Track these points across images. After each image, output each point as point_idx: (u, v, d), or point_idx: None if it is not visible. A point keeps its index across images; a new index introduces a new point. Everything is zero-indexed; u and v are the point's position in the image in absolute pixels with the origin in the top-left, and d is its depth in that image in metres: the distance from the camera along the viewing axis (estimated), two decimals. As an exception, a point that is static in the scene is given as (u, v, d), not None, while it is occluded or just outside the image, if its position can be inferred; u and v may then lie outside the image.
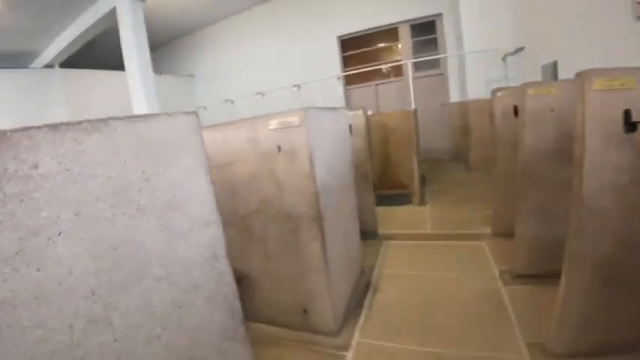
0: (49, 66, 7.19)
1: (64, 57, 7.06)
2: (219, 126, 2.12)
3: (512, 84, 5.83)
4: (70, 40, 6.25)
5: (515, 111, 3.06)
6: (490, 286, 2.58)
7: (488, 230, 3.50)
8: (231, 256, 2.53)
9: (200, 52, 9.64)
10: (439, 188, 5.54)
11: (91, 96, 7.27)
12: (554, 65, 4.62)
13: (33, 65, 7.37)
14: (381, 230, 3.93)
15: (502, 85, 5.93)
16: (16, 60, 7.16)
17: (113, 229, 0.81)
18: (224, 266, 1.08)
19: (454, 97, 7.22)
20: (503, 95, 3.21)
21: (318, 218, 1.93)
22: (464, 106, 6.55)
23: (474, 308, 2.34)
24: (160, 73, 8.81)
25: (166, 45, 10.00)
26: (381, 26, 7.53)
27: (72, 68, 7.19)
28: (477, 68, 6.28)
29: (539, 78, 5.04)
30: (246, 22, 8.73)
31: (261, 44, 8.66)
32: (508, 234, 3.04)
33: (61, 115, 7.06)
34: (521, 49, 5.65)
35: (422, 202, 4.81)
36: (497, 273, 2.74)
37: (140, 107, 5.04)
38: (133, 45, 4.90)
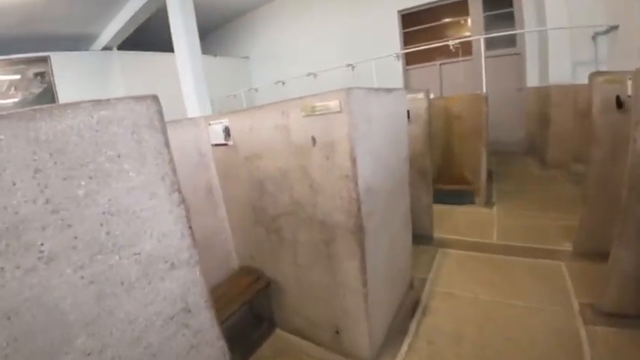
0: (107, 48, 7.43)
1: (121, 39, 7.24)
2: (246, 111, 1.78)
3: (603, 68, 4.80)
4: (124, 23, 6.34)
5: (618, 102, 2.41)
6: (566, 323, 2.02)
7: (568, 247, 2.87)
8: (259, 259, 2.23)
9: (255, 33, 9.43)
10: (509, 187, 4.79)
11: (149, 78, 7.42)
12: (656, 49, 3.65)
13: (92, 48, 7.68)
14: (436, 234, 3.40)
15: (591, 69, 4.92)
16: (76, 43, 7.48)
17: (2, 291, 0.49)
18: (203, 322, 0.74)
19: (532, 81, 6.20)
20: (605, 81, 2.51)
21: (359, 231, 1.52)
22: (543, 92, 5.61)
23: (542, 351, 1.83)
24: (216, 55, 8.78)
25: (223, 27, 9.93)
26: (449, -2, 6.63)
27: (130, 50, 7.38)
28: (560, 48, 5.26)
29: (637, 63, 4.03)
30: (298, 2, 8.30)
31: (316, 22, 8.19)
32: (596, 256, 2.50)
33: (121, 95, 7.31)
34: (615, 27, 4.61)
35: (488, 202, 4.14)
36: (576, 306, 2.15)
37: (188, 89, 4.95)
38: (181, 26, 4.76)
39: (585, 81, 4.93)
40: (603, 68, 4.83)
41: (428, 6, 6.80)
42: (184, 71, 4.91)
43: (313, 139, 1.50)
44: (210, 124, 2.03)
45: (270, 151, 1.71)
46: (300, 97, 1.47)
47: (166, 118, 0.82)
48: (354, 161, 1.40)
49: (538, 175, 5.25)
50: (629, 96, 2.09)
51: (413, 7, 6.92)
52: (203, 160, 2.11)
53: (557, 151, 5.24)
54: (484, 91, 4.64)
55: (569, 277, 2.52)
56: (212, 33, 10.24)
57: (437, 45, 5.67)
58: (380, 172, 1.71)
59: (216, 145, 2.04)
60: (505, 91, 6.39)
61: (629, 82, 2.01)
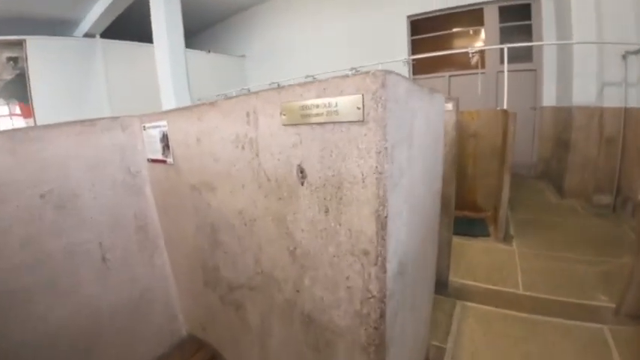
0: (89, 35, 6.57)
1: (104, 26, 6.37)
2: (191, 109, 1.00)
3: (633, 91, 4.16)
4: (107, 5, 5.54)
5: None
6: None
7: (606, 301, 2.23)
8: (213, 333, 1.37)
9: (253, 32, 8.65)
10: (525, 216, 4.08)
11: (132, 69, 6.59)
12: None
13: (75, 34, 6.81)
14: (452, 277, 2.68)
15: (620, 90, 4.29)
16: (56, 28, 6.62)
17: None
18: None
19: (548, 100, 5.53)
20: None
21: (377, 349, 0.75)
22: (563, 113, 4.96)
23: None
24: (209, 51, 7.97)
25: (220, 23, 9.11)
26: (462, 6, 5.95)
27: (114, 39, 6.57)
28: (587, 66, 4.60)
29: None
30: (302, -1, 7.58)
31: (318, 23, 7.42)
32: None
33: (100, 86, 6.49)
34: None
35: (505, 236, 3.42)
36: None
37: (165, 84, 4.15)
38: (162, 10, 3.98)
39: (614, 103, 4.35)
40: (633, 91, 4.19)
41: (440, 12, 6.10)
42: (162, 63, 4.12)
43: (300, 171, 0.73)
44: (145, 128, 1.25)
45: (227, 181, 0.94)
46: (281, 88, 0.71)
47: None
48: (382, 224, 0.64)
49: (556, 204, 4.54)
50: None
51: (424, 13, 6.22)
52: (133, 182, 1.33)
53: (577, 178, 4.56)
54: (504, 107, 3.95)
55: (616, 347, 1.84)
56: (209, 29, 9.45)
57: (451, 53, 4.98)
58: (416, 228, 0.95)
59: (154, 160, 1.26)
60: (517, 109, 5.70)
61: None
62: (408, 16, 6.34)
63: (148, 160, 1.29)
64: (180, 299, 1.51)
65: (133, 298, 1.43)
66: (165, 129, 1.12)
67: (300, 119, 0.68)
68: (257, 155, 0.81)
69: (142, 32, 6.71)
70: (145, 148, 1.29)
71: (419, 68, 6.42)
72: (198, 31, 9.49)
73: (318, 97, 0.65)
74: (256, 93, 0.76)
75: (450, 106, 2.10)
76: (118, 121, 1.30)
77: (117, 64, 6.63)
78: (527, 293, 2.53)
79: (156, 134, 1.19)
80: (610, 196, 4.17)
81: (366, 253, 0.68)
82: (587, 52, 4.50)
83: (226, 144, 0.88)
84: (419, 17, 6.29)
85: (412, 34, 6.47)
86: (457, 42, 6.23)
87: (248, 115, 0.79)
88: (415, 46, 6.47)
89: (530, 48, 5.58)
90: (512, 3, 5.78)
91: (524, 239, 3.44)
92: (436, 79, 6.21)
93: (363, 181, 0.63)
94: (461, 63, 6.05)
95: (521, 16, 5.77)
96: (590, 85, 4.57)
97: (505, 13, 5.84)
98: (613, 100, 4.22)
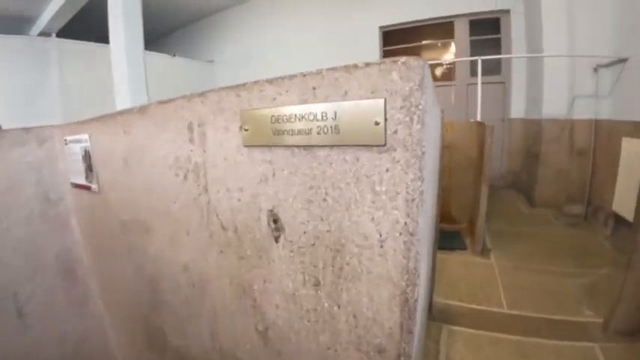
0: (45, 34, 5.94)
1: (61, 23, 5.79)
2: (115, 117, 0.69)
3: (605, 103, 4.22)
4: (63, 1, 5.01)
5: None
6: None
7: (592, 316, 2.11)
8: None
9: (222, 37, 8.21)
10: (500, 227, 4.00)
11: (90, 72, 5.99)
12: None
13: (31, 32, 6.14)
14: (435, 296, 2.48)
15: (591, 103, 4.35)
16: (13, 25, 5.98)
17: None
18: None
19: (516, 112, 5.59)
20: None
21: None
22: (533, 125, 5.00)
23: None
24: (174, 55, 7.47)
25: (189, 25, 8.64)
26: (434, 19, 5.96)
27: (71, 39, 5.95)
28: (557, 79, 4.63)
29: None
30: (273, 5, 7.33)
31: (289, 31, 7.15)
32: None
33: (54, 90, 5.83)
34: (623, 60, 4.03)
35: (483, 250, 3.29)
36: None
37: (122, 88, 3.72)
38: (120, 11, 3.58)
39: (584, 116, 4.40)
40: (604, 103, 4.25)
41: (412, 24, 6.07)
42: (119, 65, 3.68)
43: (274, 220, 0.46)
44: (67, 142, 0.92)
45: (165, 222, 0.64)
46: (240, 86, 0.44)
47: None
48: (410, 312, 0.38)
49: (528, 214, 4.52)
50: None
51: (396, 25, 6.16)
52: (54, 212, 0.99)
53: (548, 189, 4.57)
54: (478, 118, 3.88)
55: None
56: (178, 31, 8.95)
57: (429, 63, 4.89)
58: (425, 272, 0.70)
59: (78, 185, 0.93)
60: (486, 120, 5.72)
61: None
62: (380, 27, 6.26)
63: (72, 184, 0.96)
64: (120, 350, 1.16)
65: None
66: (86, 144, 0.80)
67: (272, 138, 0.41)
68: (206, 190, 0.52)
69: (104, 32, 6.17)
70: (67, 167, 0.96)
71: (391, 78, 6.35)
72: (168, 33, 8.98)
73: (304, 102, 0.38)
74: (203, 94, 0.48)
75: (436, 116, 1.90)
76: (33, 132, 0.97)
77: (73, 65, 6.00)
78: (514, 312, 2.36)
79: (78, 151, 0.86)
80: (581, 206, 4.19)
81: (380, 350, 0.42)
82: (558, 65, 4.51)
83: (162, 170, 0.59)
84: (391, 28, 6.23)
85: (384, 45, 6.39)
86: (428, 54, 6.20)
87: (190, 128, 0.51)
88: (387, 57, 6.40)
89: (499, 61, 5.63)
90: (482, 17, 5.84)
91: (501, 251, 3.33)
92: (408, 89, 6.16)
93: (382, 245, 0.36)
94: (431, 75, 6.03)
95: (491, 30, 5.83)
96: (561, 98, 4.59)
97: (475, 26, 5.87)
98: (584, 112, 4.25)
